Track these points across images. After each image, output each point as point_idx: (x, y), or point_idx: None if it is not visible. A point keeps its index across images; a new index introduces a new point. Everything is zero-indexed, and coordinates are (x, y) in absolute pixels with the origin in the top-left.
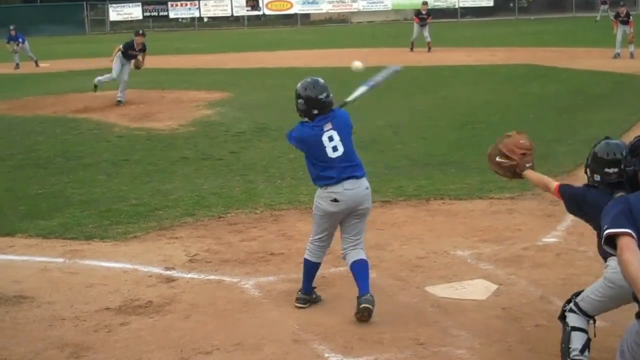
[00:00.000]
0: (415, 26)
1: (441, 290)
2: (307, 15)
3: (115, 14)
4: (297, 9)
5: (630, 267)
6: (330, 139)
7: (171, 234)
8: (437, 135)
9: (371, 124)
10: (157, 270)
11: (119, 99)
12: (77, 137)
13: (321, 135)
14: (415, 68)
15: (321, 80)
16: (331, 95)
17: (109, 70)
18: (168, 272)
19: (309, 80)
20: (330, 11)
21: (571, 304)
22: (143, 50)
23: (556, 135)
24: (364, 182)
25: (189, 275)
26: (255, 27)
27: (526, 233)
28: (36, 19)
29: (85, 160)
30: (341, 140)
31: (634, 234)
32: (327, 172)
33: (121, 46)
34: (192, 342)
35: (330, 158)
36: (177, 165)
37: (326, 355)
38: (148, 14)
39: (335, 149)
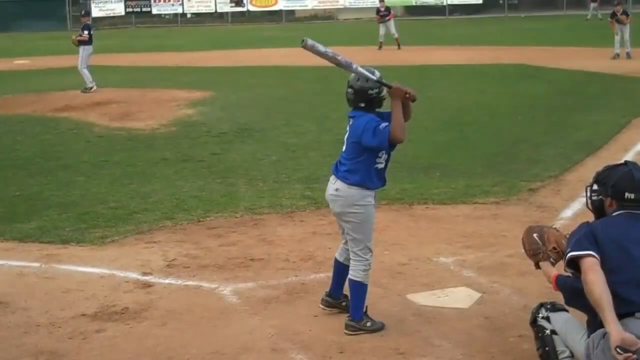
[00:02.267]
0: (379, 24)
1: (423, 298)
2: (292, 12)
3: (98, 9)
4: (282, 5)
5: (594, 288)
6: (346, 133)
7: (149, 238)
8: (423, 137)
9: None
10: (134, 275)
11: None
12: (57, 137)
13: (347, 126)
14: (401, 67)
15: (377, 73)
16: (358, 91)
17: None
18: (145, 278)
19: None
20: (315, 8)
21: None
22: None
23: (546, 137)
24: (337, 184)
25: (167, 281)
26: (240, 23)
27: (511, 240)
28: (17, 14)
29: (65, 160)
30: (348, 138)
31: (596, 255)
32: None
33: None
34: (168, 350)
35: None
36: (157, 167)
37: None
38: (131, 9)
39: (344, 143)
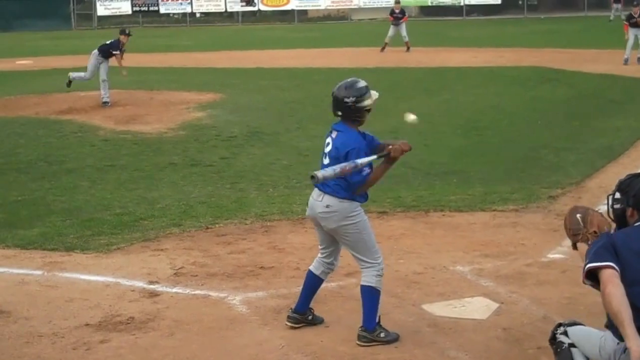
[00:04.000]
0: (391, 26)
1: (439, 309)
2: (304, 12)
3: (103, 8)
4: (294, 5)
5: (613, 300)
6: (327, 145)
7: (156, 246)
8: (440, 142)
9: (369, 129)
10: (140, 284)
11: (104, 100)
12: (61, 140)
13: (326, 138)
14: (416, 69)
15: (359, 84)
16: (365, 102)
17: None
18: (152, 287)
19: (349, 80)
20: (329, 7)
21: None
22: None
23: (566, 143)
24: (327, 200)
25: (174, 290)
26: (250, 23)
27: (530, 248)
28: (20, 13)
29: (69, 165)
30: (330, 152)
31: (616, 267)
32: None
33: (117, 52)
34: None
35: (322, 162)
36: (165, 172)
37: None
38: (137, 8)
39: (325, 156)
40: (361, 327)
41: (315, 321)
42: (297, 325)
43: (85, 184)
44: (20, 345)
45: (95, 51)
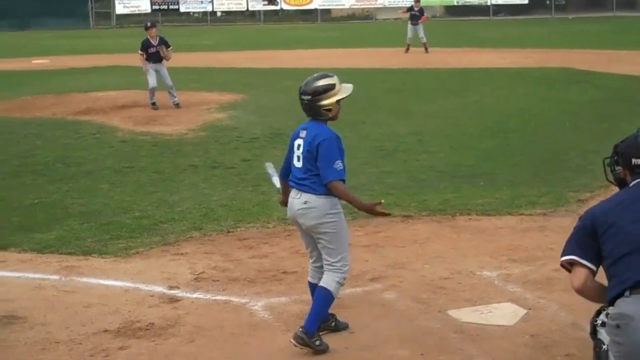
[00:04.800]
0: (409, 26)
1: (465, 315)
2: (328, 11)
3: (122, 6)
4: (317, 4)
5: (586, 296)
6: (298, 147)
7: (176, 250)
8: (466, 144)
9: (394, 131)
10: (159, 289)
11: (175, 102)
12: (78, 141)
13: (294, 140)
14: (442, 70)
15: (320, 81)
16: (323, 101)
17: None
18: (172, 292)
19: (314, 75)
20: (353, 7)
21: (602, 316)
22: (165, 44)
23: (594, 145)
24: (305, 197)
25: (194, 295)
26: (272, 23)
27: (558, 253)
28: (37, 12)
29: (87, 166)
30: (302, 154)
31: (581, 261)
32: (290, 175)
33: (139, 51)
34: None
35: (294, 165)
36: (185, 174)
37: None
38: (157, 7)
39: (298, 159)
40: (301, 327)
41: (339, 327)
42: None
43: (104, 186)
44: (37, 351)
45: (144, 60)
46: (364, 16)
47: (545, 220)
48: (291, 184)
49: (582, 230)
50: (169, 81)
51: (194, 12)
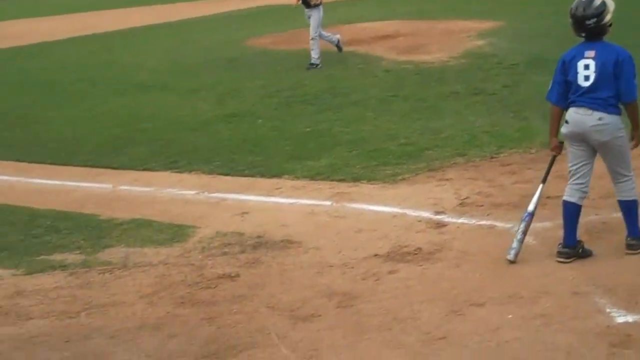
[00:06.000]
0: None
1: None
2: None
3: None
4: None
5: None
6: (586, 67)
7: (441, 176)
8: None
9: None
10: (426, 214)
11: (311, 61)
12: (344, 72)
13: (577, 61)
14: None
15: (595, 2)
16: (606, 18)
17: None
18: (438, 217)
19: None
20: None
21: None
22: None
23: None
24: (598, 114)
25: (460, 220)
26: None
27: None
28: None
29: (353, 97)
30: (596, 73)
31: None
32: (569, 96)
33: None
34: (463, 294)
35: (579, 85)
36: (448, 101)
37: (607, 310)
38: None
39: (586, 78)
40: (628, 236)
41: (585, 254)
42: (567, 261)
43: (369, 114)
44: (312, 275)
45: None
46: None
47: None
48: (579, 102)
49: None
50: (312, 33)
51: None
